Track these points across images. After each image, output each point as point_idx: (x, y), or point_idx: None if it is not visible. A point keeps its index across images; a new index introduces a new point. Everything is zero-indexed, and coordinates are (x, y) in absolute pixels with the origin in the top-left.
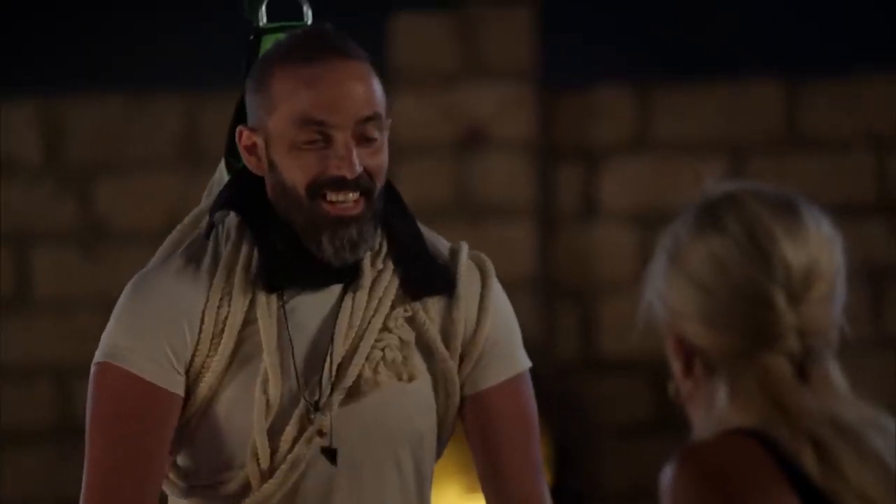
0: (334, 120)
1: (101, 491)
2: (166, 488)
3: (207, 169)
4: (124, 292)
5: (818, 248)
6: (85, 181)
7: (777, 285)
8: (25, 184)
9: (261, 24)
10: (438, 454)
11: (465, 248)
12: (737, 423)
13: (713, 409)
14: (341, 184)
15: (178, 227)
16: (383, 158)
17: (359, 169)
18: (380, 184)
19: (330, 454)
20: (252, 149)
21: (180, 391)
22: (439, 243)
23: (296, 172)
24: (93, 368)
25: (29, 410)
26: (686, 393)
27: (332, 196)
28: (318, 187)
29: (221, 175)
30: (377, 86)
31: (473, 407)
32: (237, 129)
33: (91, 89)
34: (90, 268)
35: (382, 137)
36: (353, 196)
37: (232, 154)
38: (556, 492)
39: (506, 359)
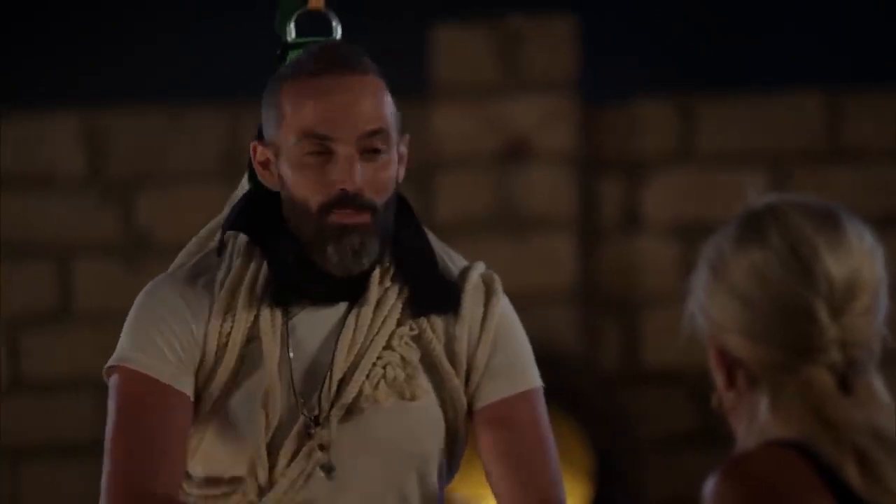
0: (336, 134)
1: (119, 487)
2: (182, 497)
3: None
4: (136, 300)
5: (860, 259)
6: (127, 194)
7: (819, 298)
8: (68, 196)
9: (289, 38)
10: (453, 472)
11: (478, 268)
12: (779, 434)
13: (756, 421)
14: (344, 200)
15: (194, 238)
16: (389, 174)
17: (359, 183)
18: (382, 199)
19: (327, 469)
20: (266, 164)
21: (189, 392)
22: (452, 261)
23: (302, 190)
24: (109, 375)
25: (71, 423)
26: (729, 405)
27: (339, 210)
28: (328, 206)
29: (243, 191)
30: (386, 100)
31: (483, 421)
32: (251, 145)
33: (133, 102)
34: (132, 280)
35: (390, 152)
36: (354, 210)
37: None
38: (598, 503)
39: (513, 375)
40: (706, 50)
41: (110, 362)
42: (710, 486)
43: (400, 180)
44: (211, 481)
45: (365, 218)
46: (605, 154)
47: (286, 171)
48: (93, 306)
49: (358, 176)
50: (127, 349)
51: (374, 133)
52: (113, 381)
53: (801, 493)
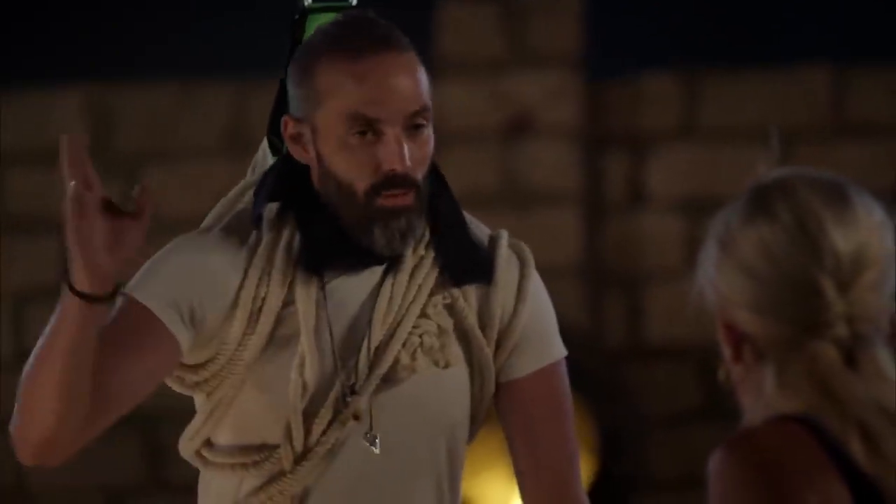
0: (385, 115)
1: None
2: (200, 466)
3: None
4: (166, 247)
5: (868, 234)
6: (133, 169)
7: (825, 272)
8: None
9: (306, 3)
10: (471, 438)
11: (504, 236)
12: (785, 409)
13: (762, 395)
14: (393, 181)
15: (222, 200)
16: (429, 149)
17: (409, 163)
18: (423, 174)
19: (370, 439)
20: (298, 138)
21: (182, 338)
22: (479, 230)
23: (349, 169)
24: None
25: None
26: (736, 378)
27: (387, 192)
28: (376, 187)
29: (264, 154)
30: (423, 76)
31: (508, 395)
32: (282, 119)
33: (140, 77)
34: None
35: (429, 128)
36: (401, 190)
37: (275, 133)
38: (603, 479)
39: (541, 347)
40: (711, 25)
41: (128, 286)
42: (715, 460)
43: (431, 154)
44: (244, 449)
45: (410, 198)
46: (610, 129)
47: (327, 151)
48: None
49: (406, 156)
50: (136, 281)
51: (419, 112)
52: (120, 302)
53: (807, 468)
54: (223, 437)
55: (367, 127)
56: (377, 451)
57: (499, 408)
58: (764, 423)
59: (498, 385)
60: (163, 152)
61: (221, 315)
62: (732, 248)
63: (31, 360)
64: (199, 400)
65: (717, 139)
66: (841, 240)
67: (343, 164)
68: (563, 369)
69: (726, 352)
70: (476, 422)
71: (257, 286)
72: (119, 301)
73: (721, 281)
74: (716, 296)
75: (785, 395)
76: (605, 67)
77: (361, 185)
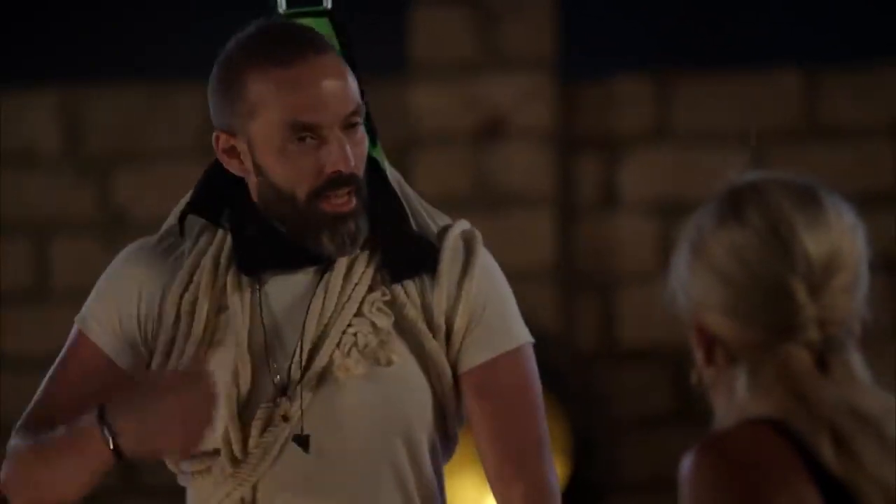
0: (324, 119)
1: (27, 419)
2: (179, 477)
3: None
4: (106, 270)
5: (839, 237)
6: (105, 171)
7: (797, 276)
8: (46, 174)
9: (280, 9)
10: (450, 445)
11: (458, 227)
12: (757, 412)
13: (734, 398)
14: (338, 182)
15: (175, 209)
16: (365, 147)
17: (353, 162)
18: (362, 171)
19: (301, 441)
20: (232, 152)
21: (122, 362)
22: (434, 220)
23: (292, 176)
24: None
25: None
26: (708, 381)
27: (331, 194)
28: (319, 190)
29: None
30: (351, 76)
31: (466, 386)
32: (214, 134)
33: (112, 79)
34: (109, 258)
35: (362, 125)
36: (346, 190)
37: None
38: (575, 482)
39: (497, 334)
40: (684, 28)
41: (77, 317)
42: (687, 463)
43: (367, 152)
44: (201, 455)
45: (353, 201)
46: (583, 132)
47: (266, 161)
48: (70, 284)
49: (350, 156)
50: (87, 313)
51: (354, 111)
52: (72, 331)
53: (778, 471)
54: None
55: (307, 133)
56: (308, 453)
57: (462, 398)
58: (735, 425)
59: (458, 376)
60: (135, 154)
61: (158, 324)
62: (704, 252)
63: (41, 452)
64: None
65: (691, 142)
66: (812, 243)
67: (284, 171)
68: (526, 355)
69: (698, 355)
70: (448, 420)
71: (183, 292)
72: (73, 332)
73: (693, 284)
74: (688, 299)
75: (756, 398)
76: (577, 70)
77: (303, 190)
